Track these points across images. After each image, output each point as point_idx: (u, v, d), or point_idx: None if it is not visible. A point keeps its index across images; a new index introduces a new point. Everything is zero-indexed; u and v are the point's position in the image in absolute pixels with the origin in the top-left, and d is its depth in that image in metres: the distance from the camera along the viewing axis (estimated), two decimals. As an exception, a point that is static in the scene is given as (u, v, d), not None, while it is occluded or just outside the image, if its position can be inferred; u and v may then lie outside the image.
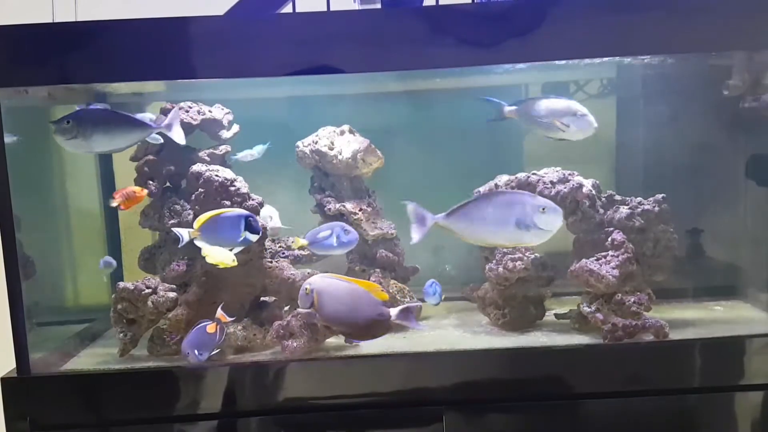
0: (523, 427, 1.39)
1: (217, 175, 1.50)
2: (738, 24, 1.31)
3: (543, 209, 1.31)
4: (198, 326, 1.41)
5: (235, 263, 1.43)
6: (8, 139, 1.34)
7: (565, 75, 1.83)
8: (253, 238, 1.42)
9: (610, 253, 1.49)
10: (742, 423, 1.38)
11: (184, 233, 1.41)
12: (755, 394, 1.37)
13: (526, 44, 1.31)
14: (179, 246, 1.43)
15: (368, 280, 1.63)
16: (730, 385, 1.37)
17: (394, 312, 1.30)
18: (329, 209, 1.67)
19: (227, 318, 1.42)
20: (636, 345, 1.42)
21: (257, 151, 1.73)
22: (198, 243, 1.42)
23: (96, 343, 1.67)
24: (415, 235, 1.40)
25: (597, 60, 1.43)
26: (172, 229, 1.44)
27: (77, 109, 1.41)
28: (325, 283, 1.34)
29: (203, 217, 1.42)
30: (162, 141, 1.59)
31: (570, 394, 1.36)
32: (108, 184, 1.84)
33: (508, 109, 1.54)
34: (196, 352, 1.39)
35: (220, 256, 1.42)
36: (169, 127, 1.45)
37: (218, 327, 1.41)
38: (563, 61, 1.40)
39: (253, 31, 1.31)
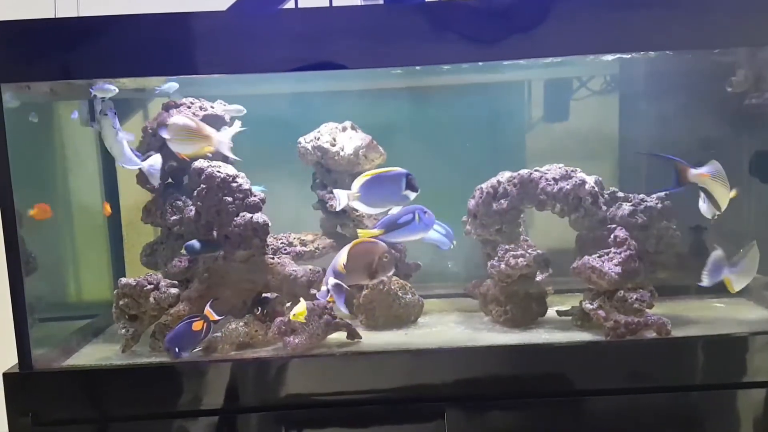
0: (524, 424, 1.39)
1: (218, 171, 1.50)
2: (742, 20, 1.30)
3: None
4: (184, 322, 1.42)
5: (303, 320, 1.46)
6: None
7: (568, 71, 1.82)
8: (412, 195, 1.41)
9: (613, 250, 1.49)
10: (744, 420, 1.38)
11: (342, 195, 1.39)
12: (758, 392, 1.37)
13: (529, 40, 1.30)
14: (337, 209, 1.41)
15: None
16: (733, 383, 1.37)
17: (331, 281, 1.38)
18: (331, 205, 1.66)
19: (215, 316, 1.43)
20: (638, 342, 1.42)
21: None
22: (354, 204, 1.41)
23: (98, 338, 1.67)
24: (705, 281, 1.40)
25: (600, 56, 1.43)
26: (333, 190, 1.41)
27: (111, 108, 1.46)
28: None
29: (362, 178, 1.40)
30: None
31: (572, 391, 1.36)
32: (110, 180, 1.84)
33: (694, 172, 1.34)
34: (176, 349, 1.40)
35: (299, 308, 1.44)
36: (151, 168, 1.51)
37: (205, 325, 1.41)
38: (566, 58, 1.40)
39: (256, 26, 1.31)
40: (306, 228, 1.75)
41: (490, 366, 1.38)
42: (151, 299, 1.49)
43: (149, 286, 1.49)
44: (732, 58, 1.59)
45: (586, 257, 1.50)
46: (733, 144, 1.74)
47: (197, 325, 1.41)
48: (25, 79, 1.36)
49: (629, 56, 1.48)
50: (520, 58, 1.40)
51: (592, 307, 1.48)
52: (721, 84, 1.62)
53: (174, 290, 1.51)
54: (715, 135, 1.74)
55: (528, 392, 1.37)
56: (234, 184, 1.50)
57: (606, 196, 1.59)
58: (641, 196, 1.57)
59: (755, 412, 1.38)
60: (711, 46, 1.37)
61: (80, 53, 1.31)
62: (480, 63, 1.49)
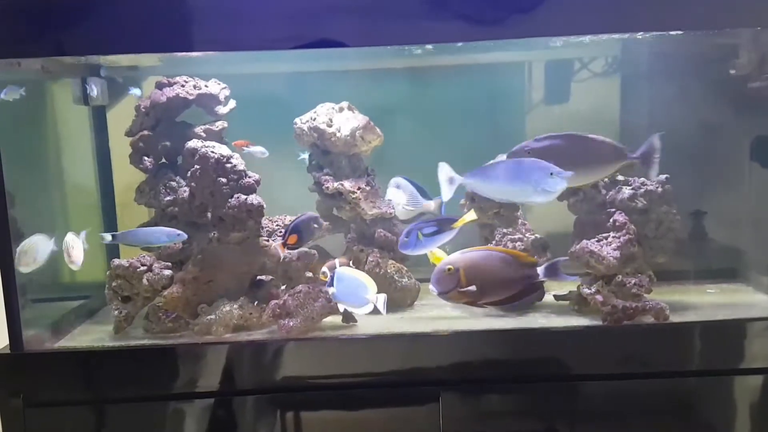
0: (519, 409, 1.38)
1: (212, 152, 1.47)
2: (746, 0, 1.28)
3: None
4: None
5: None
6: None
7: (569, 52, 1.80)
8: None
9: (612, 234, 1.48)
10: (741, 406, 1.38)
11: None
12: (755, 378, 1.36)
13: (530, 19, 1.27)
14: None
15: (366, 260, 1.62)
16: (731, 369, 1.36)
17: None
18: (327, 187, 1.64)
19: None
20: (635, 327, 1.41)
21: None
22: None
23: (92, 320, 1.66)
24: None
25: (601, 36, 1.41)
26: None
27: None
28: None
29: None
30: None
31: (568, 375, 1.36)
32: (104, 160, 1.82)
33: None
34: None
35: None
36: None
37: None
38: (567, 38, 1.37)
39: (251, 2, 1.28)
40: (302, 210, 1.73)
41: (486, 350, 1.37)
42: (145, 281, 1.47)
43: (142, 268, 1.48)
44: (736, 39, 1.57)
45: (585, 241, 1.48)
46: (735, 128, 1.72)
47: None
48: (15, 56, 1.33)
49: (632, 37, 1.46)
50: (521, 37, 1.37)
51: (589, 291, 1.47)
52: (724, 66, 1.60)
53: (167, 272, 1.49)
54: (717, 118, 1.72)
55: (524, 377, 1.36)
56: (228, 165, 1.47)
57: (606, 179, 1.57)
58: (641, 179, 1.55)
59: (753, 399, 1.37)
60: (715, 26, 1.34)
61: (71, 30, 1.28)
62: (481, 42, 1.47)
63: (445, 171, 1.41)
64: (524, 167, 1.37)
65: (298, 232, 1.52)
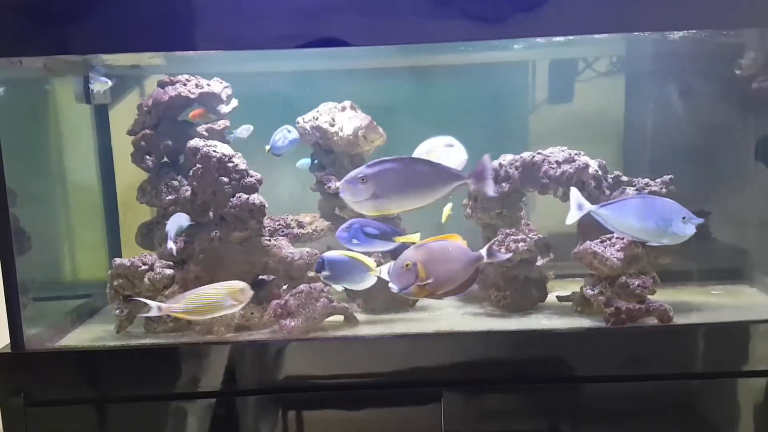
0: (521, 410, 1.38)
1: (215, 151, 1.47)
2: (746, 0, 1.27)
3: None
4: None
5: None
6: None
7: (573, 51, 1.79)
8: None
9: (615, 235, 1.46)
10: (745, 409, 1.37)
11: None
12: (759, 381, 1.35)
13: (534, 19, 1.27)
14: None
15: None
16: (735, 371, 1.35)
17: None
18: (329, 187, 1.64)
19: None
20: (639, 329, 1.40)
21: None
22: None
23: (93, 319, 1.66)
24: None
25: (606, 36, 1.40)
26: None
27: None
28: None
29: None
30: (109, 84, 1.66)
31: (570, 377, 1.35)
32: (106, 158, 1.82)
33: None
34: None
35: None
36: None
37: None
38: (572, 37, 1.36)
39: (253, 1, 1.27)
40: (304, 210, 1.73)
41: (488, 351, 1.36)
42: (146, 280, 1.47)
43: (144, 267, 1.48)
44: (740, 39, 1.56)
45: (588, 242, 1.47)
46: (739, 128, 1.71)
47: None
48: (17, 54, 1.33)
49: (636, 36, 1.45)
50: (525, 37, 1.36)
51: (593, 292, 1.47)
52: (729, 66, 1.58)
53: (169, 271, 1.49)
54: (721, 119, 1.71)
55: (526, 378, 1.36)
56: (230, 164, 1.47)
57: (609, 180, 1.56)
58: (645, 180, 1.54)
59: (756, 401, 1.36)
60: (720, 26, 1.33)
61: (73, 28, 1.27)
62: (484, 42, 1.46)
63: (576, 196, 1.39)
64: (658, 208, 1.36)
65: None
